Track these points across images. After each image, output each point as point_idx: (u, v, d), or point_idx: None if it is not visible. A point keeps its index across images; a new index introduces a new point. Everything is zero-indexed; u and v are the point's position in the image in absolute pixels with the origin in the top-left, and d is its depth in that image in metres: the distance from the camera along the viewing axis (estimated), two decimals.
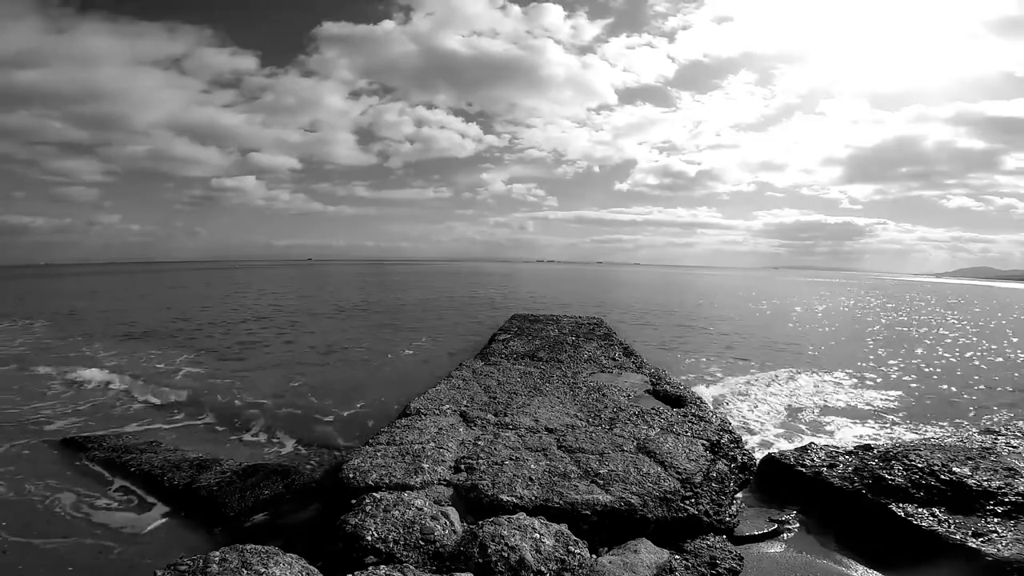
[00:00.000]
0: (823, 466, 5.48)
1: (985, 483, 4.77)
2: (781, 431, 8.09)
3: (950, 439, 6.38)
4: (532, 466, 4.89)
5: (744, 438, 6.64)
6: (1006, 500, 4.56)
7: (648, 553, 3.78)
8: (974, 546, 4.01)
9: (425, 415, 6.43)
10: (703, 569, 3.76)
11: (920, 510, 4.54)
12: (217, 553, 3.26)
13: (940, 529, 4.26)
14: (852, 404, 9.82)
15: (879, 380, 12.08)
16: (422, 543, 3.66)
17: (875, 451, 5.69)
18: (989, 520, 4.35)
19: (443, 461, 4.99)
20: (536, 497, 4.32)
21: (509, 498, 4.28)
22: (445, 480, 4.63)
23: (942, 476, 4.89)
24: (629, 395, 7.73)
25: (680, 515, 4.27)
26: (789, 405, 9.60)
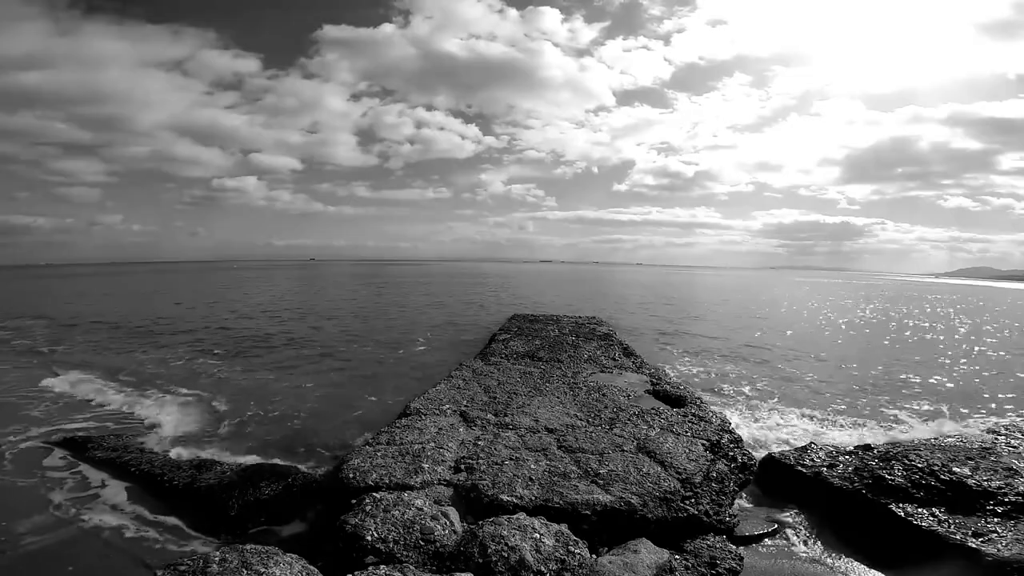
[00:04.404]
0: (823, 466, 5.48)
1: (985, 483, 4.77)
2: (781, 429, 8.08)
3: (950, 439, 6.38)
4: (532, 466, 4.89)
5: (744, 437, 6.63)
6: (1006, 500, 4.56)
7: (648, 553, 3.79)
8: (974, 546, 4.01)
9: (425, 415, 6.43)
10: (703, 569, 3.76)
11: (920, 510, 4.54)
12: (217, 553, 3.26)
13: (940, 529, 4.26)
14: (852, 404, 9.81)
15: (880, 379, 12.08)
16: (422, 543, 3.66)
17: (875, 451, 5.70)
18: (989, 520, 4.36)
19: (443, 461, 4.99)
20: (536, 497, 4.32)
21: (509, 498, 4.28)
22: (445, 480, 4.63)
23: (942, 476, 4.89)
24: (629, 395, 7.73)
25: (680, 515, 4.27)
26: (788, 403, 9.59)
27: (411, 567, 3.38)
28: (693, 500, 4.47)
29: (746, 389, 10.83)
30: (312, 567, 3.37)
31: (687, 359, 14.13)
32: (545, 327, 15.10)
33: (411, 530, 3.75)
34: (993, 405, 10.02)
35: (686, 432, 6.01)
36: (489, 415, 6.53)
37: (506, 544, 3.56)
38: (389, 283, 55.24)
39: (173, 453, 6.77)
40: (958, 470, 4.97)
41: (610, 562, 3.61)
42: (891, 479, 4.91)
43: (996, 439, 6.18)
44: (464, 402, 7.07)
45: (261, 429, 7.90)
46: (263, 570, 3.12)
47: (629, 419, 6.46)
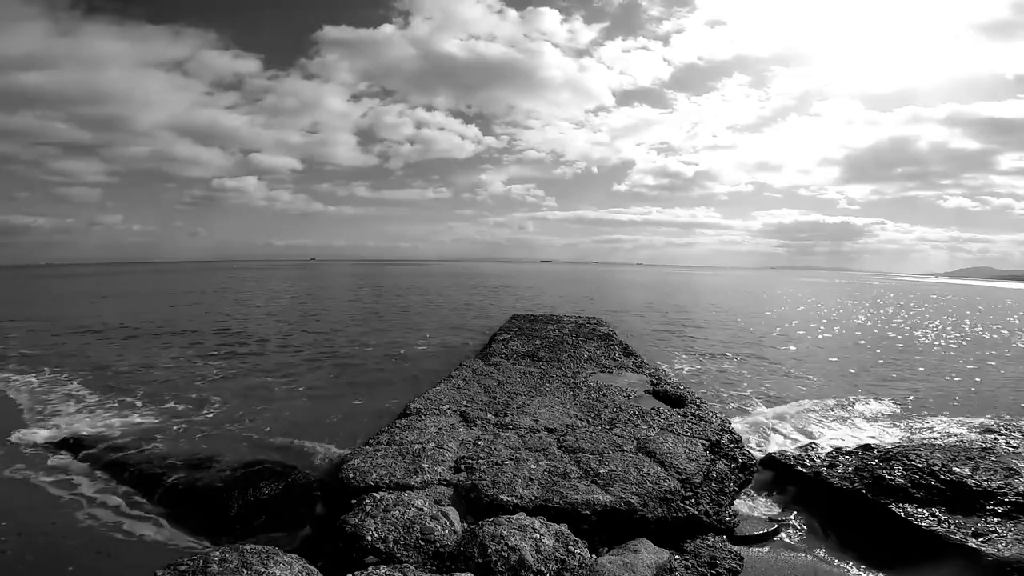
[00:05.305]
0: (823, 466, 5.48)
1: (985, 483, 4.77)
2: (781, 429, 8.07)
3: (950, 439, 6.38)
4: (532, 466, 4.89)
5: (744, 437, 6.63)
6: (1006, 500, 4.56)
7: (648, 553, 3.79)
8: (974, 546, 4.02)
9: (425, 415, 6.43)
10: (703, 569, 3.76)
11: (920, 510, 4.55)
12: (217, 553, 3.26)
13: (940, 529, 4.26)
14: (853, 403, 9.81)
15: (880, 379, 12.08)
16: (422, 543, 3.66)
17: (875, 451, 5.70)
18: (989, 520, 4.36)
19: (443, 461, 4.99)
20: (536, 497, 4.32)
21: (509, 498, 4.28)
22: (445, 480, 4.63)
23: (942, 476, 4.89)
24: (629, 395, 7.73)
25: (680, 515, 4.27)
26: (788, 403, 9.60)
27: (411, 567, 3.38)
28: (693, 500, 4.47)
29: (746, 389, 10.83)
30: (312, 567, 3.37)
31: (687, 359, 14.12)
32: (545, 327, 15.10)
33: (411, 530, 3.75)
34: (993, 405, 10.02)
35: (686, 432, 6.01)
36: (489, 415, 6.53)
37: (506, 544, 3.56)
38: (389, 283, 55.23)
39: (172, 453, 6.76)
40: (958, 470, 4.98)
41: (610, 562, 3.61)
42: (891, 479, 4.91)
43: (996, 439, 6.18)
44: (464, 402, 7.07)
45: (260, 429, 7.89)
46: (263, 570, 3.11)
47: (629, 419, 6.46)
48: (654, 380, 8.76)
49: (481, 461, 4.97)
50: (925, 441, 6.30)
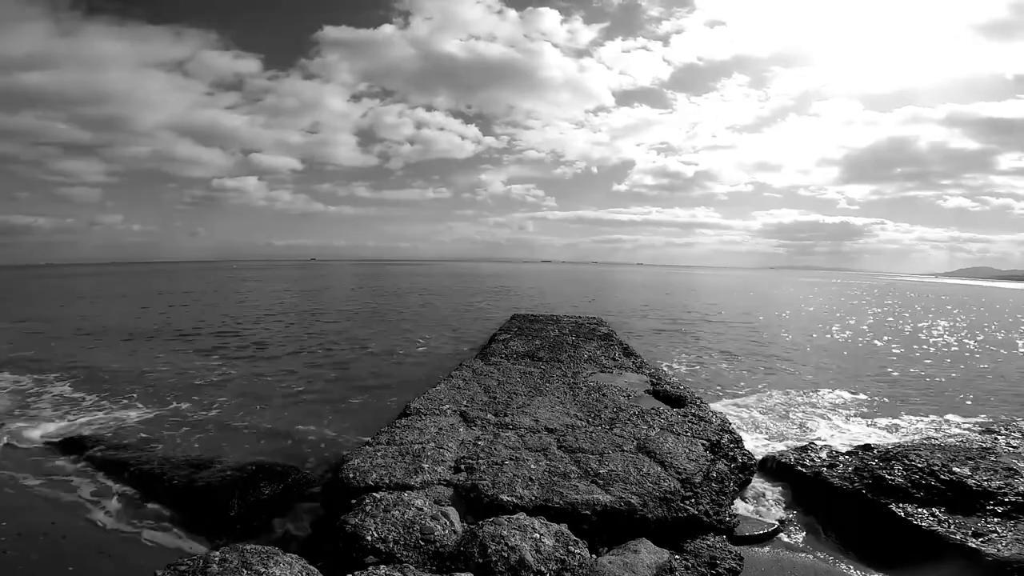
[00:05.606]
0: (823, 466, 5.48)
1: (985, 483, 4.77)
2: (781, 429, 8.08)
3: (950, 439, 6.38)
4: (532, 466, 4.89)
5: (743, 436, 6.62)
6: (1006, 500, 4.56)
7: (648, 553, 3.79)
8: (974, 546, 4.01)
9: (425, 415, 6.43)
10: (703, 569, 3.76)
11: (920, 510, 4.54)
12: (217, 553, 3.26)
13: (940, 529, 4.26)
14: (853, 403, 9.81)
15: (880, 379, 12.08)
16: (422, 543, 3.66)
17: (875, 451, 5.70)
18: (989, 520, 4.36)
19: (443, 461, 4.99)
20: (536, 497, 4.32)
21: (509, 498, 4.28)
22: (445, 480, 4.63)
23: (942, 476, 4.89)
24: (629, 395, 7.73)
25: (680, 515, 4.27)
26: (789, 403, 9.60)
27: (411, 567, 3.38)
28: (693, 500, 4.47)
29: (745, 388, 10.83)
30: (312, 567, 3.37)
31: (687, 359, 14.12)
32: (545, 327, 15.10)
33: (411, 530, 3.75)
34: (993, 404, 10.02)
35: (686, 432, 6.01)
36: (489, 415, 6.53)
37: (506, 544, 3.56)
38: (389, 283, 55.24)
39: (172, 452, 6.77)
40: (958, 470, 4.97)
41: (610, 562, 3.61)
42: (891, 479, 4.91)
43: (996, 439, 6.18)
44: (464, 402, 7.07)
45: (260, 430, 7.89)
46: (263, 570, 3.11)
47: (629, 419, 6.46)
48: (654, 380, 8.76)
49: (481, 461, 4.97)
50: (925, 441, 6.30)
